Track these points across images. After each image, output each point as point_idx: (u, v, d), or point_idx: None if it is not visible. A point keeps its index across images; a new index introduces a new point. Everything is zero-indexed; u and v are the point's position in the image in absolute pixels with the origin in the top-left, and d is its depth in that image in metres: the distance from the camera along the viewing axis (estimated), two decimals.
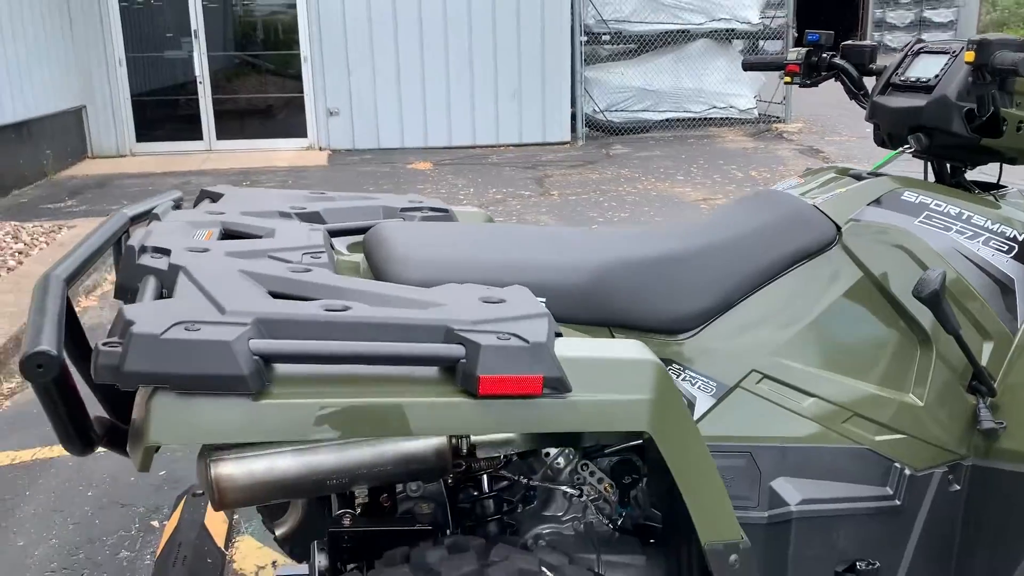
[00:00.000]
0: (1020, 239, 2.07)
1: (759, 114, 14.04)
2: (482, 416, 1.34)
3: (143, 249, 1.69)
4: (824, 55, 2.41)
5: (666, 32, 13.33)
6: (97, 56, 12.04)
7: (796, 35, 13.79)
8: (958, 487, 2.01)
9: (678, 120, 13.60)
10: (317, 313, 1.35)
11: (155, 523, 3.16)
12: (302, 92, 12.73)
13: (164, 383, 1.23)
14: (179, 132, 12.80)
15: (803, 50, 2.44)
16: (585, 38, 12.80)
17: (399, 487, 1.87)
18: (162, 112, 12.96)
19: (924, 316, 1.98)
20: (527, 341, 1.34)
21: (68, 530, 3.13)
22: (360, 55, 12.37)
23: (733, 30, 13.65)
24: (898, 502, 1.98)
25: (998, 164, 2.24)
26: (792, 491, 1.92)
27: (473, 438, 1.79)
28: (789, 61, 2.46)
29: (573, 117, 13.08)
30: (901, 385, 1.99)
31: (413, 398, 1.33)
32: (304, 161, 11.93)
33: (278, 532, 1.88)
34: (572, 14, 12.66)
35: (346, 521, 1.78)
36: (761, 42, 15.04)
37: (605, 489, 1.94)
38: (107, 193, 9.69)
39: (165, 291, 1.57)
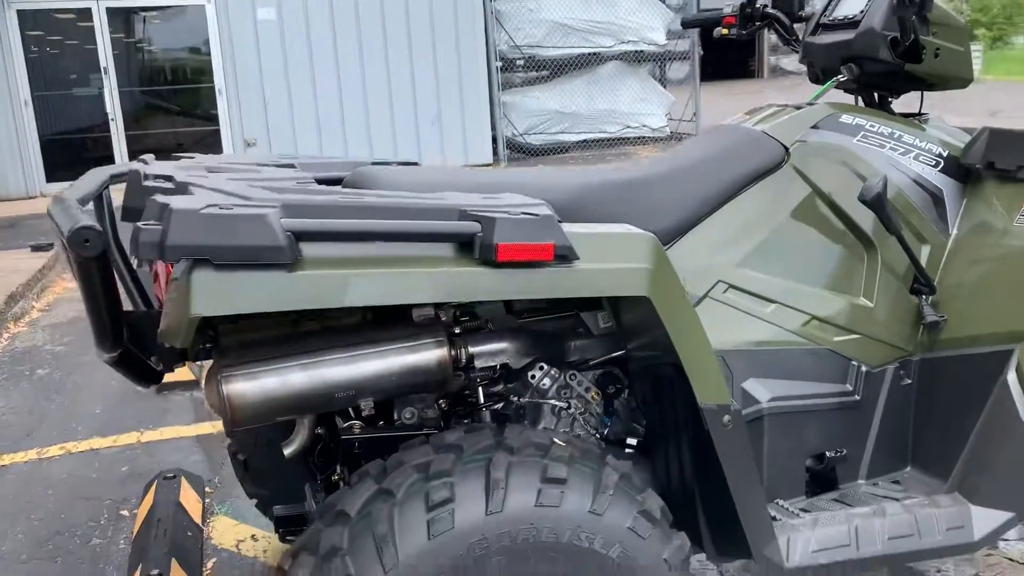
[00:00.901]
0: (946, 155, 2.29)
1: (671, 131, 14.53)
2: (500, 283, 1.45)
3: (146, 176, 1.75)
4: (757, 6, 2.62)
5: (578, 56, 13.72)
6: (1, 96, 11.73)
7: (702, 53, 14.39)
8: (909, 381, 2.20)
9: (595, 140, 13.97)
10: (339, 199, 1.44)
11: (124, 512, 3.13)
12: (218, 124, 12.63)
13: (205, 255, 1.30)
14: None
15: (738, 2, 2.64)
16: (500, 63, 13.09)
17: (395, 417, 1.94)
18: (73, 151, 12.65)
19: (868, 224, 2.17)
20: (537, 215, 1.46)
21: (33, 525, 3.06)
22: (275, 85, 12.35)
23: (642, 51, 14.13)
24: (857, 397, 2.15)
25: (919, 94, 2.47)
26: (762, 390, 2.07)
27: (472, 348, 1.90)
28: (725, 14, 2.66)
29: (494, 140, 13.32)
30: (853, 289, 2.17)
31: (435, 267, 1.42)
32: None
33: (287, 451, 1.92)
34: (487, 41, 12.94)
35: (356, 430, 1.85)
36: (668, 63, 15.62)
37: (592, 397, 2.06)
38: (20, 232, 9.41)
39: None
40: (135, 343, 1.78)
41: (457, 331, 1.90)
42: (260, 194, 1.46)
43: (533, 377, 2.04)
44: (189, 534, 2.74)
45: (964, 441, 2.07)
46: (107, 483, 3.36)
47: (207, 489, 3.23)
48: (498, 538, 1.47)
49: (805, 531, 1.90)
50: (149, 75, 13.57)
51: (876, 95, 2.44)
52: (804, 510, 2.05)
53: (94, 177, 1.83)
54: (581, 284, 1.50)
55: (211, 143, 12.71)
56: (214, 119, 12.66)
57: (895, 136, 2.28)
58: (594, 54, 13.93)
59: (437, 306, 1.88)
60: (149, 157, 2.24)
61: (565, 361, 2.05)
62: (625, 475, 1.62)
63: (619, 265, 1.53)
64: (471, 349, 1.90)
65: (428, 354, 1.80)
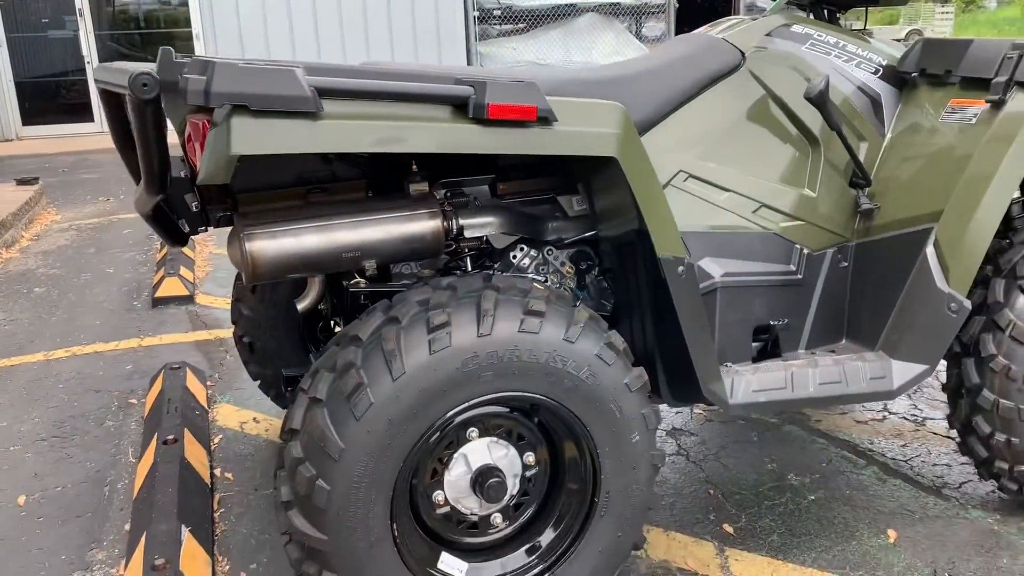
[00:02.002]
0: (884, 64, 2.56)
1: None
2: (490, 138, 1.70)
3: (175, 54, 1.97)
4: None
5: (554, 7, 13.83)
6: None
7: (678, 6, 14.54)
8: (846, 263, 2.49)
9: None
10: (354, 65, 1.68)
11: (133, 401, 3.37)
12: None
13: (244, 102, 1.53)
14: (68, 115, 12.53)
15: None
16: (477, 13, 13.19)
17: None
18: (49, 95, 12.63)
19: (814, 123, 2.44)
20: (522, 81, 1.71)
21: (48, 411, 3.30)
22: (253, 33, 12.38)
23: (618, 4, 14.26)
24: (800, 276, 2.43)
25: (864, 11, 2.74)
26: (716, 267, 2.34)
27: (462, 221, 2.16)
28: None
29: None
30: (798, 181, 2.45)
31: (434, 123, 1.67)
32: None
33: (301, 306, 2.18)
34: None
35: (362, 284, 2.11)
36: (644, 18, 15.75)
37: (567, 272, 2.33)
38: (1, 169, 9.49)
39: None
40: (168, 206, 2.02)
41: (449, 206, 2.15)
42: (286, 60, 1.69)
43: (514, 256, 2.30)
44: (197, 413, 3.01)
45: (889, 311, 2.36)
46: (114, 378, 3.60)
47: (208, 383, 3.49)
48: (487, 356, 1.74)
49: (747, 375, 2.20)
50: (125, 19, 13.50)
51: (825, 10, 2.70)
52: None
53: (118, 64, 2.05)
54: (558, 143, 1.76)
55: None
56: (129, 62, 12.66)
57: (840, 45, 2.54)
58: (570, 6, 14.04)
59: (432, 181, 2.14)
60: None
61: (543, 240, 2.32)
62: (594, 315, 1.90)
63: (592, 129, 1.79)
64: (461, 221, 2.16)
65: (424, 223, 2.06)
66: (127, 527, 2.48)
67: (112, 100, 1.97)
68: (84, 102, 12.44)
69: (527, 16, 14.23)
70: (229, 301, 4.55)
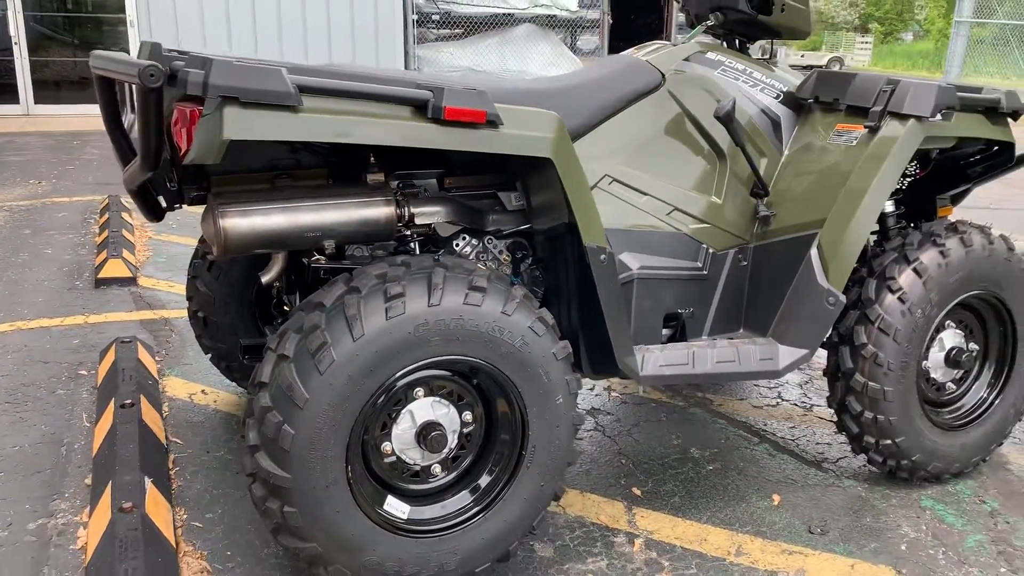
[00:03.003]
0: (785, 90, 2.93)
1: None
2: (444, 136, 1.99)
3: (167, 49, 2.20)
4: None
5: (492, 15, 14.17)
6: None
7: (611, 22, 15.04)
8: (745, 263, 2.85)
9: None
10: (330, 67, 1.95)
11: (83, 372, 3.53)
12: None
13: (236, 94, 1.79)
14: None
15: None
16: (416, 16, 13.44)
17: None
18: None
19: (722, 140, 2.80)
20: (475, 90, 2.00)
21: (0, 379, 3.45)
22: (190, 23, 12.39)
23: (554, 16, 14.68)
24: (705, 272, 2.78)
25: (769, 43, 3.12)
26: (634, 261, 2.67)
27: (412, 209, 2.43)
28: None
29: None
30: (707, 189, 2.80)
31: (398, 120, 1.95)
32: None
33: (264, 279, 2.42)
34: None
35: (322, 261, 2.36)
36: (579, 32, 16.23)
37: (504, 259, 2.63)
38: None
39: None
40: (150, 183, 2.24)
41: (401, 195, 2.43)
42: (272, 61, 1.95)
43: (457, 244, 2.59)
44: (150, 382, 3.21)
45: (779, 305, 2.73)
46: (62, 351, 3.75)
47: (156, 358, 3.67)
48: (436, 324, 2.02)
49: (656, 352, 2.53)
50: (54, 1, 13.31)
51: (737, 40, 3.07)
52: None
53: (115, 54, 2.27)
54: (502, 143, 2.06)
55: None
56: (124, 52, 12.58)
57: (747, 72, 2.91)
58: (508, 15, 14.40)
59: (387, 173, 2.41)
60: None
61: (483, 230, 2.61)
62: (527, 294, 2.20)
63: (532, 133, 2.09)
64: (412, 209, 2.44)
65: (379, 209, 2.33)
66: (87, 481, 2.67)
67: (104, 85, 2.18)
68: (10, 83, 12.24)
69: (465, 22, 14.54)
70: (171, 284, 4.73)
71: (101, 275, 4.71)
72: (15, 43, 12.19)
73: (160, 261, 5.26)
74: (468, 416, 2.25)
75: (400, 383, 2.08)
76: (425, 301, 2.02)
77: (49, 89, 12.57)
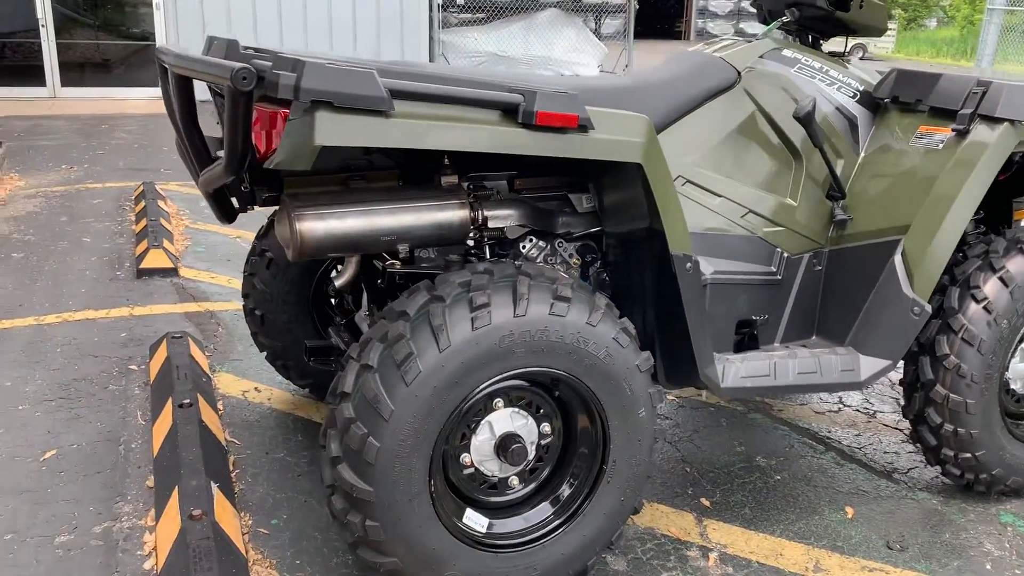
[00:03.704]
0: (861, 89, 2.84)
1: None
2: (536, 142, 1.92)
3: (244, 47, 2.14)
4: None
5: (517, 0, 14.05)
6: None
7: (637, 7, 14.89)
8: (819, 267, 2.77)
9: None
10: (421, 69, 1.88)
11: (133, 367, 3.50)
12: (153, 41, 12.53)
13: (329, 99, 1.72)
14: (18, 78, 12.26)
15: None
16: (440, 1, 13.34)
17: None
18: None
19: (798, 139, 2.71)
20: (566, 93, 1.93)
21: (50, 373, 3.41)
22: (216, 5, 12.32)
23: (580, 1, 14.53)
24: (779, 277, 2.70)
25: (844, 39, 3.02)
26: (707, 265, 2.60)
27: (486, 212, 2.37)
28: None
29: None
30: (782, 190, 2.72)
31: (489, 126, 1.88)
32: (159, 109, 11.77)
33: (338, 283, 2.36)
34: None
35: (397, 266, 2.30)
36: (603, 16, 16.10)
37: (574, 263, 2.56)
38: None
39: None
40: (225, 186, 2.19)
41: (474, 198, 2.36)
42: (360, 62, 1.88)
43: (523, 247, 2.52)
44: (204, 380, 3.17)
45: (858, 312, 2.65)
46: (110, 344, 3.71)
47: (206, 353, 3.63)
48: (521, 334, 1.96)
49: (736, 363, 2.46)
50: None
51: (811, 36, 2.98)
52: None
53: (185, 49, 2.20)
54: (594, 149, 1.99)
55: (144, 59, 12.61)
56: (150, 37, 12.56)
57: (824, 70, 2.82)
58: (533, 0, 14.28)
59: (461, 175, 2.34)
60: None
61: (553, 233, 2.54)
62: (610, 303, 2.13)
63: (622, 137, 2.02)
64: (485, 212, 2.37)
65: (454, 212, 2.27)
66: (148, 483, 2.63)
67: (183, 84, 2.11)
68: (37, 65, 12.21)
69: (489, 7, 14.43)
70: (212, 275, 4.69)
71: (143, 265, 4.67)
72: (42, 25, 12.15)
73: (199, 251, 5.22)
74: (547, 427, 2.19)
75: (480, 394, 2.02)
76: (511, 311, 1.95)
77: (74, 72, 12.55)
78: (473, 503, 2.17)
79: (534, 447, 2.18)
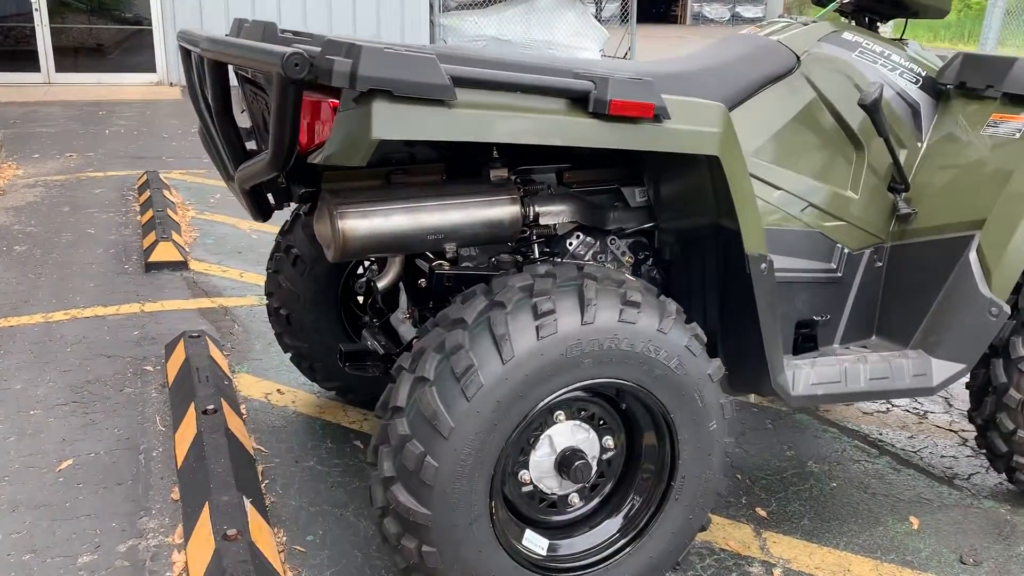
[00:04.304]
0: (923, 75, 2.68)
1: None
2: (608, 132, 1.75)
3: (282, 30, 1.97)
4: None
5: None
6: None
7: None
8: (880, 263, 2.61)
9: None
10: (483, 55, 1.71)
11: (149, 367, 3.33)
12: (150, 26, 12.29)
13: (388, 87, 1.55)
14: (12, 63, 12.01)
15: None
16: None
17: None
18: None
19: (860, 129, 2.55)
20: (640, 79, 1.77)
21: (62, 375, 3.24)
22: None
23: None
24: (840, 274, 2.55)
25: (903, 22, 2.86)
26: None
27: (537, 208, 2.21)
28: None
29: None
30: (842, 183, 2.56)
31: (557, 116, 1.72)
32: (156, 95, 11.56)
33: (380, 284, 2.20)
34: None
35: (446, 267, 2.14)
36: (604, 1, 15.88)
37: (627, 261, 2.40)
38: None
39: None
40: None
41: (524, 193, 2.20)
42: (434, 48, 1.71)
43: (570, 243, 2.36)
44: (226, 383, 3.01)
45: (924, 312, 2.50)
46: (122, 343, 3.54)
47: (224, 352, 3.47)
48: (589, 343, 1.80)
49: (807, 369, 2.31)
50: None
51: (867, 18, 2.81)
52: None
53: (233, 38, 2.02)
54: (669, 141, 1.83)
55: (141, 44, 12.38)
56: (144, 21, 12.34)
57: (885, 55, 2.65)
58: None
59: (511, 168, 2.18)
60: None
61: (604, 229, 2.38)
62: (680, 308, 1.97)
63: (699, 128, 1.85)
64: (537, 208, 2.21)
65: (504, 208, 2.11)
66: (173, 496, 2.48)
67: (218, 71, 1.94)
68: (30, 50, 11.95)
69: None
70: (224, 269, 4.52)
71: (151, 259, 4.50)
72: (35, 9, 11.90)
73: (208, 243, 5.04)
74: (609, 441, 2.03)
75: (543, 407, 1.87)
76: (578, 318, 1.80)
77: (68, 56, 12.29)
78: (531, 523, 2.01)
79: (596, 462, 2.02)
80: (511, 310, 1.78)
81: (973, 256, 2.38)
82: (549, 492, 2.00)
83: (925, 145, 2.66)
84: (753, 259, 2.04)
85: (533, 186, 2.25)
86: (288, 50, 1.53)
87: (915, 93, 2.66)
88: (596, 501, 2.08)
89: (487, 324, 1.77)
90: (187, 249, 4.81)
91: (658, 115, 1.79)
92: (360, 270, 2.94)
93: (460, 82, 1.65)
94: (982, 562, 2.38)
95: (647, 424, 2.02)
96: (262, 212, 2.15)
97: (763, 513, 2.57)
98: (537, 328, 1.76)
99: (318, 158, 1.68)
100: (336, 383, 3.02)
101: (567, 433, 1.97)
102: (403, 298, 2.49)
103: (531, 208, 2.19)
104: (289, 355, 3.02)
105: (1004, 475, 2.66)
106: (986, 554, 2.41)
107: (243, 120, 2.38)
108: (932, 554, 2.41)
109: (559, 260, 2.18)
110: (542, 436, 1.95)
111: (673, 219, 2.32)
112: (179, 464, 2.54)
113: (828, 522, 2.54)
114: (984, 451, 2.64)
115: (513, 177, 2.24)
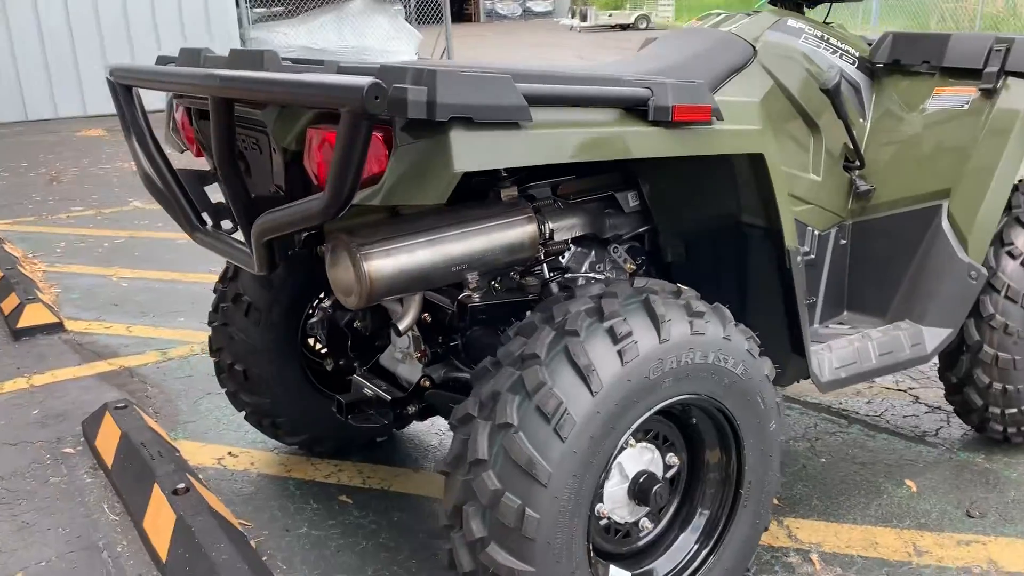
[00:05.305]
0: (857, 55, 2.78)
1: None
2: (672, 141, 1.67)
3: (284, 57, 1.74)
4: None
5: None
6: None
7: None
8: (844, 241, 2.69)
9: None
10: (551, 71, 1.59)
11: (69, 449, 2.92)
12: None
13: (469, 114, 1.40)
14: None
15: None
16: None
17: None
18: None
19: (815, 111, 2.60)
20: (695, 82, 1.70)
21: None
22: None
23: None
24: (813, 256, 2.60)
25: (827, 5, 2.95)
26: None
27: (551, 224, 2.10)
28: None
29: None
30: (806, 167, 2.61)
31: (633, 127, 1.62)
32: None
33: (401, 326, 2.01)
34: None
35: (476, 298, 1.99)
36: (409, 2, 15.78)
37: (628, 268, 2.34)
38: None
39: None
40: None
41: (537, 209, 2.08)
42: (480, 66, 1.56)
43: (561, 257, 2.27)
44: (177, 454, 2.70)
45: (895, 283, 2.59)
46: (25, 427, 3.09)
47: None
48: (670, 361, 1.72)
49: (826, 354, 2.33)
50: None
51: (794, 5, 2.88)
52: None
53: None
54: (723, 142, 1.77)
55: None
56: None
57: (825, 38, 2.73)
58: None
59: (519, 183, 2.05)
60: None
61: (603, 237, 2.30)
62: (729, 311, 1.92)
63: (745, 126, 1.81)
64: (551, 224, 2.10)
65: (523, 229, 1.99)
66: None
67: (224, 108, 1.66)
68: None
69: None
70: (106, 325, 4.07)
71: (20, 324, 3.97)
72: None
73: (75, 298, 4.53)
74: (672, 458, 1.96)
75: (628, 435, 1.77)
76: (655, 337, 1.71)
77: None
78: (610, 557, 1.91)
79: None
80: (586, 337, 1.67)
81: (946, 224, 2.49)
82: (622, 521, 1.91)
83: (869, 123, 2.76)
84: (791, 253, 2.03)
85: (541, 202, 2.14)
86: (366, 81, 1.33)
87: (855, 73, 2.76)
88: (666, 521, 2.00)
89: (565, 355, 1.65)
90: (55, 308, 4.29)
91: (716, 116, 1.73)
92: (308, 311, 2.71)
93: (535, 100, 1.52)
94: (987, 512, 2.50)
95: (711, 435, 1.96)
96: (271, 264, 1.90)
97: (775, 500, 2.58)
98: (620, 353, 1.66)
99: (376, 198, 1.50)
100: (302, 436, 2.77)
101: (635, 457, 1.88)
102: (400, 336, 2.30)
103: (545, 225, 2.08)
104: (244, 413, 2.74)
105: (974, 427, 2.81)
106: (986, 505, 2.54)
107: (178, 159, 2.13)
108: (941, 514, 2.51)
109: (618, 278, 2.09)
110: (612, 464, 1.85)
111: (675, 220, 2.27)
112: (164, 558, 2.23)
113: (836, 498, 2.59)
114: (955, 406, 2.78)
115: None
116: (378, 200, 1.50)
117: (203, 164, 2.11)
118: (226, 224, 2.17)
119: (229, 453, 2.90)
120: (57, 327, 4.02)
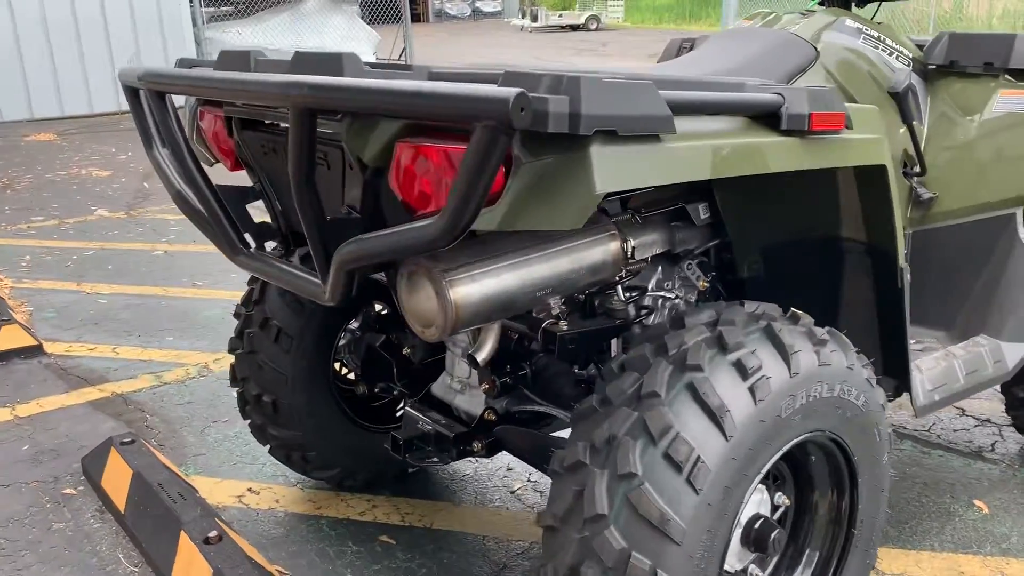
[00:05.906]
0: (912, 57, 2.65)
1: None
2: (806, 152, 1.51)
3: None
4: None
5: None
6: None
7: None
8: (905, 251, 2.56)
9: None
10: (676, 76, 1.41)
11: (69, 490, 2.65)
12: None
13: (614, 126, 1.21)
14: None
15: None
16: None
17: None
18: None
19: None
20: (825, 87, 1.53)
21: None
22: None
23: None
24: None
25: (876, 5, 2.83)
26: None
27: (632, 242, 1.93)
28: None
29: None
30: None
31: (767, 138, 1.45)
32: None
33: (480, 357, 1.81)
34: None
35: (564, 325, 1.80)
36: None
37: (701, 285, 2.17)
38: None
39: None
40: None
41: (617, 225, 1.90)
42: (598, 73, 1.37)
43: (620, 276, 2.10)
44: (197, 495, 2.47)
45: (963, 294, 2.47)
46: (16, 466, 2.81)
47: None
48: (800, 397, 1.55)
49: (918, 375, 2.19)
50: None
51: (845, 2, 2.75)
52: None
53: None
54: (853, 153, 1.61)
55: None
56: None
57: (880, 38, 2.59)
58: None
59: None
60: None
61: (674, 253, 2.13)
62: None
63: (870, 135, 1.65)
64: (632, 241, 1.92)
65: (606, 247, 1.81)
66: None
67: (306, 118, 1.44)
68: None
69: None
70: (90, 347, 3.79)
71: None
72: None
73: (50, 317, 4.22)
74: (781, 498, 1.80)
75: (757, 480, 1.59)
76: (785, 370, 1.54)
77: None
78: None
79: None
80: (711, 372, 1.50)
81: (1023, 233, 2.37)
82: (732, 571, 1.74)
83: (926, 128, 2.64)
84: (902, 271, 1.88)
85: (621, 217, 1.96)
86: (511, 92, 1.12)
87: (911, 76, 2.63)
88: (773, 565, 1.83)
89: (692, 394, 1.47)
90: (31, 328, 3.98)
91: (848, 124, 1.57)
92: (339, 336, 2.50)
93: (678, 108, 1.34)
94: None
95: (823, 473, 1.80)
96: (347, 293, 1.67)
97: None
98: (751, 391, 1.49)
99: (493, 224, 1.31)
100: (334, 470, 2.55)
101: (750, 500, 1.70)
102: (457, 364, 2.11)
103: (627, 242, 1.90)
104: (269, 448, 2.51)
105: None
106: None
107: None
108: (1021, 537, 2.39)
109: (726, 302, 1.91)
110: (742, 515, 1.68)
111: (754, 234, 2.11)
112: None
113: (907, 523, 2.46)
114: (1017, 420, 2.68)
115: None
116: (495, 225, 1.31)
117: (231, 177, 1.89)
118: (269, 245, 1.96)
119: (249, 490, 2.66)
120: (36, 350, 3.72)
